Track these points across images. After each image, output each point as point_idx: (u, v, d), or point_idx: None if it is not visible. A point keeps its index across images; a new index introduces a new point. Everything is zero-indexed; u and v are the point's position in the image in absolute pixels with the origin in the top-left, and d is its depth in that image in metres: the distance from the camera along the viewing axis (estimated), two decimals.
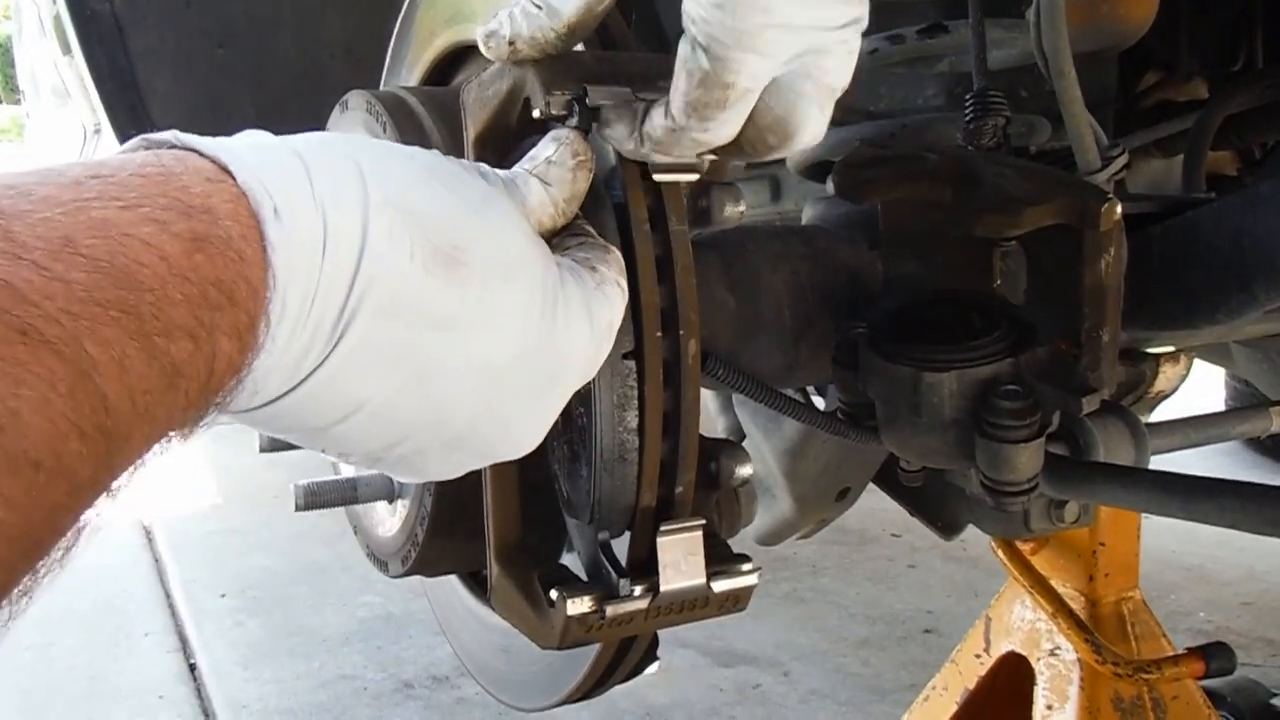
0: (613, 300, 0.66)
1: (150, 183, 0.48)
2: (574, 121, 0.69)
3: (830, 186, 0.92)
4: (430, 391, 0.58)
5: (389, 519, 1.03)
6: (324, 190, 0.54)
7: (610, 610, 0.72)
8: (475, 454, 0.64)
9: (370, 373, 0.56)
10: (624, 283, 0.67)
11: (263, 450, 1.01)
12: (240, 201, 0.51)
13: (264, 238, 0.50)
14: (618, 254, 0.68)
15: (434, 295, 0.56)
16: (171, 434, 0.48)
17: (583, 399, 0.72)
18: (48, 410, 0.39)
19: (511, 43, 0.68)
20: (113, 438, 0.42)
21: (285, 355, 0.52)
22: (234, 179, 0.51)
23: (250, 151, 0.53)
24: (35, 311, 0.39)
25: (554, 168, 0.67)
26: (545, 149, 0.67)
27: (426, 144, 0.88)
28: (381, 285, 0.54)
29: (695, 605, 0.75)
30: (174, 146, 0.53)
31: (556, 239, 0.68)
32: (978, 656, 1.95)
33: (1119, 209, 0.82)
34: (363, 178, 0.56)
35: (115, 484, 0.44)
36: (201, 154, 0.52)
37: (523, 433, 0.65)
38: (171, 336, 0.45)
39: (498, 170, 0.66)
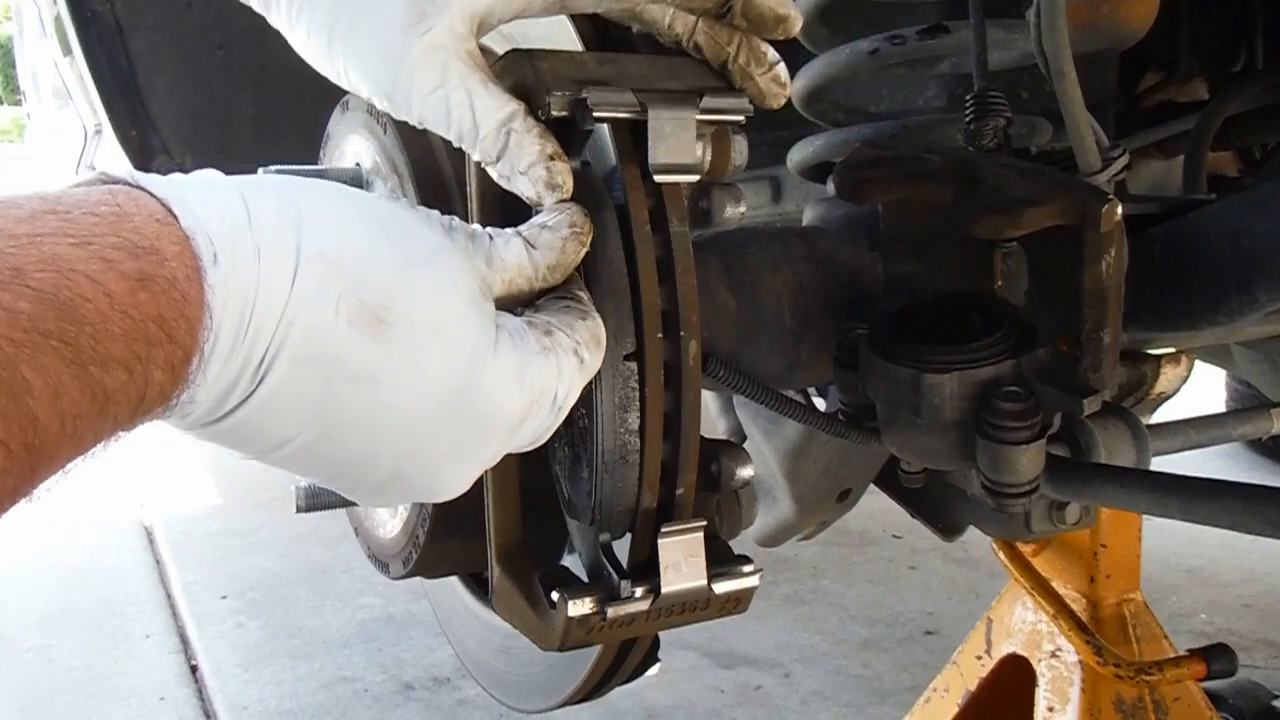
0: (560, 367, 0.66)
1: (103, 221, 0.51)
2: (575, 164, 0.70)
3: (831, 187, 0.92)
4: (349, 441, 0.60)
5: (390, 520, 1.03)
6: (262, 237, 0.56)
7: (611, 612, 0.72)
8: (404, 496, 0.66)
9: (289, 417, 0.58)
10: (589, 353, 0.67)
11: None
12: (185, 245, 0.53)
13: (204, 280, 0.53)
14: (595, 322, 0.68)
15: (355, 351, 0.58)
16: (96, 451, 0.51)
17: (585, 401, 0.72)
18: None
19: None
20: (39, 455, 0.46)
21: (213, 389, 0.55)
22: (178, 222, 0.54)
23: (198, 194, 0.56)
24: None
25: (545, 232, 0.67)
26: (544, 214, 0.68)
27: (427, 145, 0.88)
28: (302, 336, 0.56)
29: (696, 607, 0.75)
30: (130, 184, 0.55)
31: (541, 300, 0.69)
32: (979, 658, 1.94)
33: (1120, 210, 0.82)
34: (300, 228, 0.58)
35: (33, 494, 0.48)
36: (153, 195, 0.54)
37: (449, 482, 0.66)
38: (106, 367, 0.48)
39: (472, 226, 0.67)
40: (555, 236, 0.67)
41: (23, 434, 0.44)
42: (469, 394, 0.62)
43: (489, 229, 0.68)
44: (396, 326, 0.59)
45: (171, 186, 0.55)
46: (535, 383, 0.65)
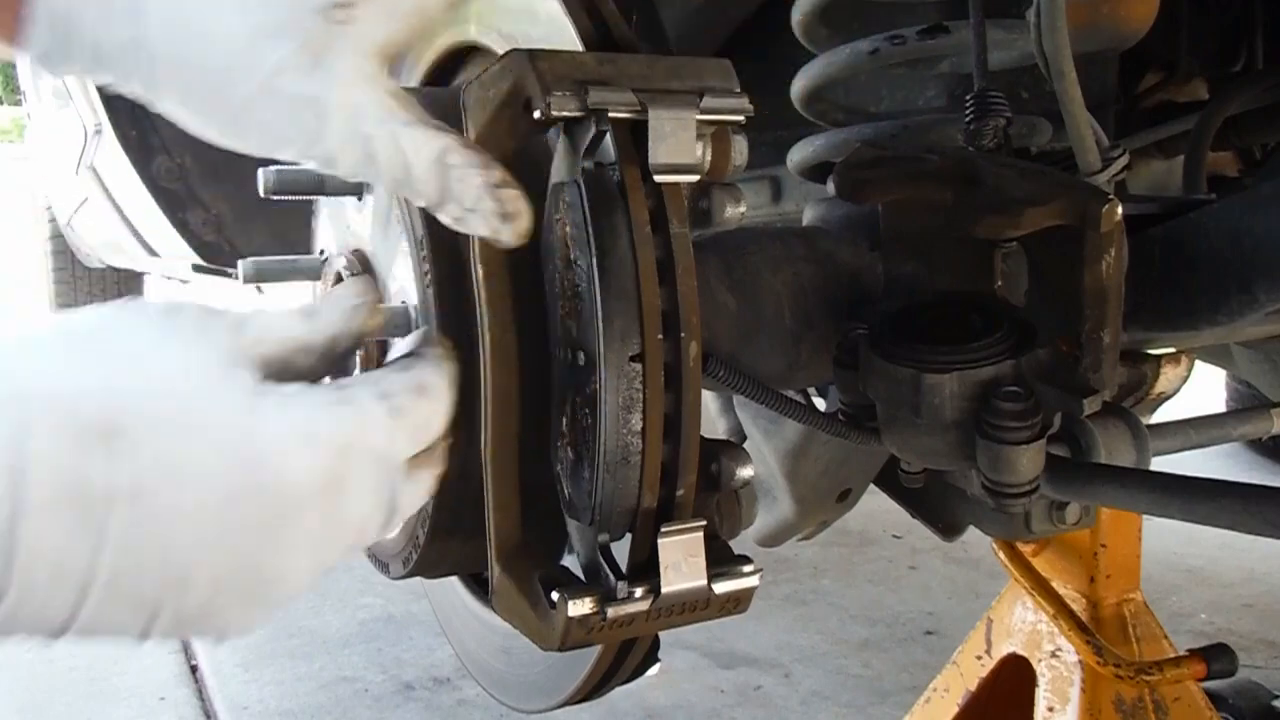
0: (366, 417, 0.61)
1: None
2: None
3: (831, 187, 0.92)
4: (146, 568, 0.55)
5: None
6: None
7: (611, 612, 0.72)
8: (250, 608, 0.60)
9: (66, 574, 0.53)
10: (407, 399, 0.63)
11: None
12: None
13: None
14: (420, 370, 0.65)
15: (97, 474, 0.53)
16: None
17: (589, 401, 0.72)
18: None
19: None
20: None
21: None
22: None
23: None
24: None
25: (325, 307, 0.66)
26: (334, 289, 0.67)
27: None
28: (34, 481, 0.51)
29: (696, 607, 0.75)
30: None
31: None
32: (979, 658, 1.94)
33: (1120, 210, 0.82)
34: (4, 373, 0.54)
35: None
36: None
37: (287, 578, 0.60)
38: None
39: (212, 311, 0.62)
40: (334, 310, 0.66)
41: None
42: (251, 470, 0.57)
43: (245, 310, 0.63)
44: (130, 430, 0.54)
45: None
46: (334, 438, 0.59)
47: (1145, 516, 1.78)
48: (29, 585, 0.52)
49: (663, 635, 0.87)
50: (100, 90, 2.02)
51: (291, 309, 0.64)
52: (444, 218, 0.66)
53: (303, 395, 0.60)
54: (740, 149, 0.80)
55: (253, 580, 0.59)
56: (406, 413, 0.63)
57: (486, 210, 0.64)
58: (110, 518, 0.53)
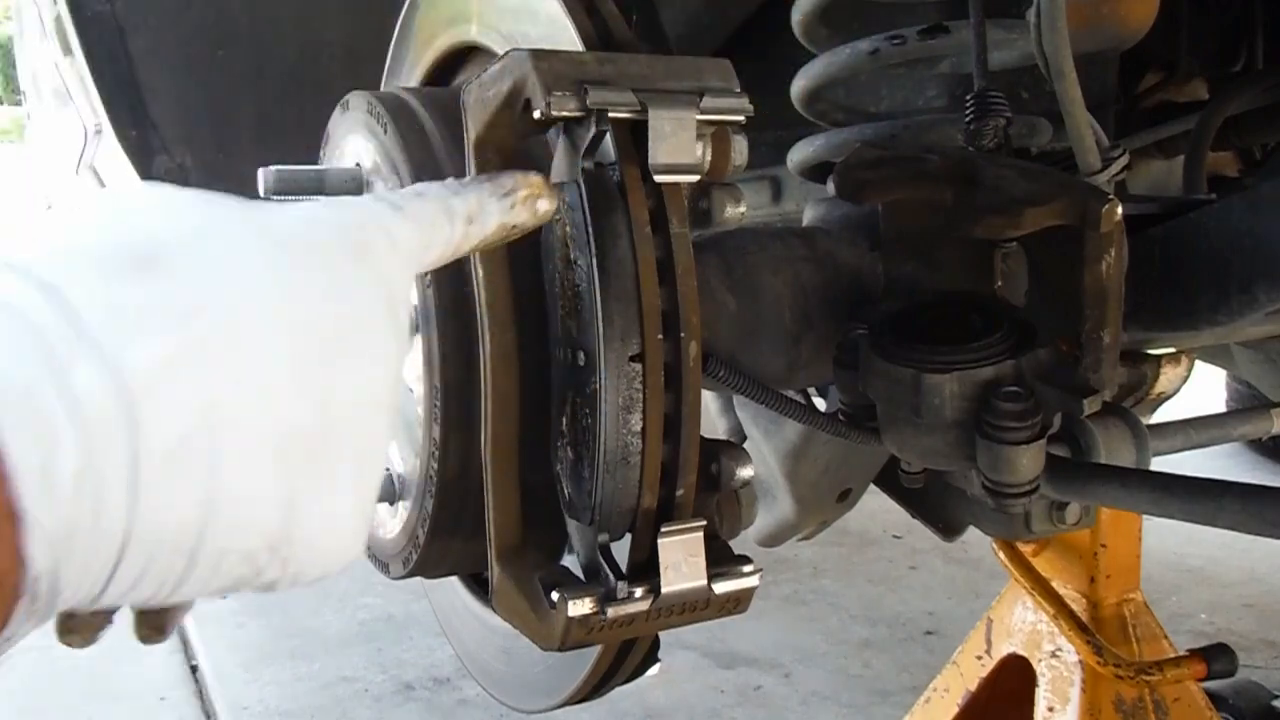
0: (360, 206, 0.59)
1: None
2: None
3: (831, 188, 0.92)
4: (219, 395, 0.50)
5: (390, 521, 1.03)
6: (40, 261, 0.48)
7: (611, 612, 0.72)
8: (353, 381, 0.55)
9: (167, 423, 0.48)
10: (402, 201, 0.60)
11: None
12: None
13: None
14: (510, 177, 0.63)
15: (146, 299, 0.49)
16: None
17: (589, 401, 0.72)
18: None
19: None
20: None
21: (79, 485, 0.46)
22: None
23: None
24: None
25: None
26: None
27: (427, 145, 0.88)
28: (90, 315, 0.47)
29: (696, 607, 0.75)
30: None
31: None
32: (979, 658, 1.94)
33: (1120, 210, 0.82)
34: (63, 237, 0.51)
35: None
36: None
37: (372, 343, 0.56)
38: None
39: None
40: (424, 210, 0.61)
41: None
42: (289, 273, 0.54)
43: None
44: (161, 257, 0.51)
45: None
46: (335, 218, 0.58)
47: (1145, 516, 1.78)
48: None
49: (663, 635, 0.87)
50: (100, 90, 2.02)
51: (436, 206, 0.61)
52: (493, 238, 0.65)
53: (327, 204, 0.59)
54: (740, 149, 0.80)
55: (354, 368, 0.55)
56: (407, 208, 0.61)
57: (518, 199, 0.64)
58: (158, 340, 0.49)
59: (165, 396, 0.48)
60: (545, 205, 0.65)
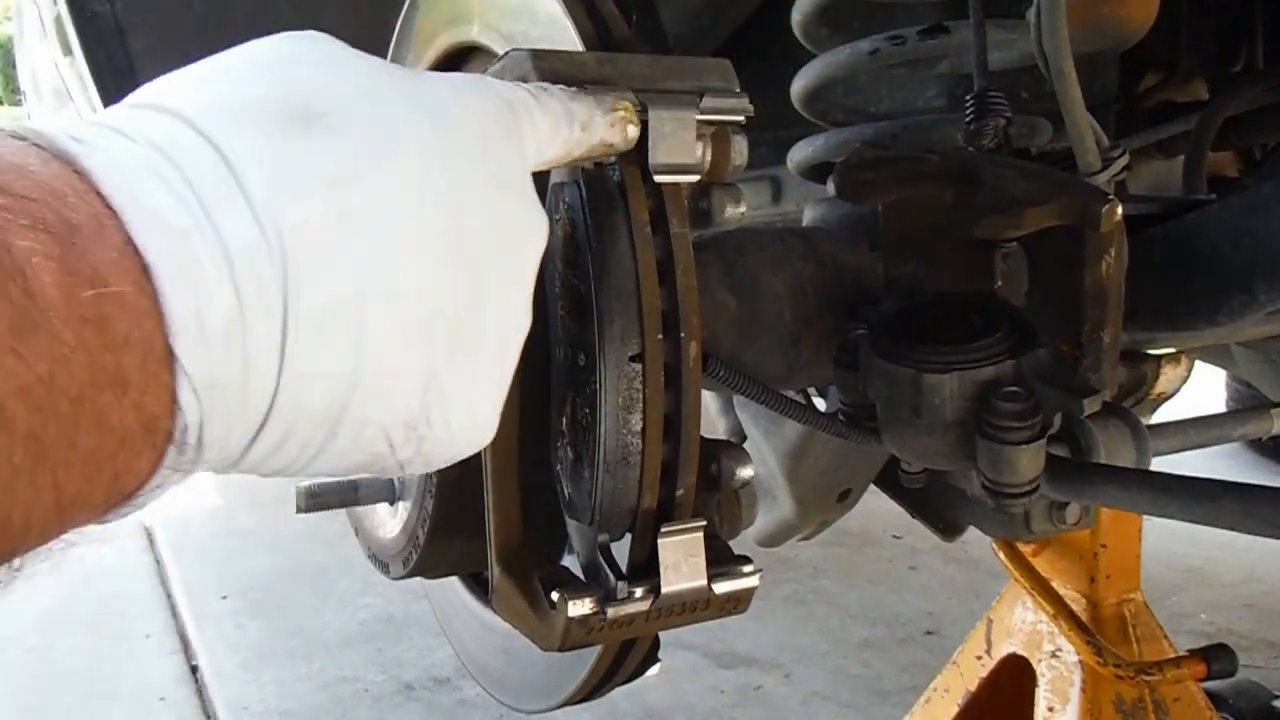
0: (511, 86, 0.60)
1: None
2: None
3: (831, 188, 0.92)
4: (373, 236, 0.49)
5: (390, 521, 1.03)
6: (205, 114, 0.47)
7: (611, 612, 0.72)
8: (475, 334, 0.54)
9: (302, 248, 0.47)
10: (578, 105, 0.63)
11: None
12: (107, 219, 0.43)
13: (142, 257, 0.43)
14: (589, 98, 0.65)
15: (313, 156, 0.48)
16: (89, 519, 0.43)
17: (589, 401, 0.72)
18: None
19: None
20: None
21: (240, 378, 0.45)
22: (102, 196, 0.43)
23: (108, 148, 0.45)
24: None
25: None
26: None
27: None
28: (257, 179, 0.46)
29: (696, 607, 0.75)
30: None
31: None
32: (979, 658, 1.94)
33: (1120, 210, 0.82)
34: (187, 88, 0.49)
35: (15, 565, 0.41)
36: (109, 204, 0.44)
37: (514, 221, 0.57)
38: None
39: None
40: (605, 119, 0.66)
41: None
42: (450, 126, 0.54)
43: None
44: (332, 114, 0.50)
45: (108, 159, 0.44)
46: (502, 93, 0.59)
47: (1145, 516, 1.78)
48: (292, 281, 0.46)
49: (663, 635, 0.87)
50: (100, 90, 2.02)
51: (560, 106, 0.62)
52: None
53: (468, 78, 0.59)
54: (740, 149, 0.80)
55: (496, 229, 0.55)
56: (540, 99, 0.62)
57: (615, 119, 0.67)
58: (334, 197, 0.48)
59: (320, 259, 0.47)
60: (634, 130, 0.68)
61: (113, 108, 0.50)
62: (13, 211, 0.40)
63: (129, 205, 0.43)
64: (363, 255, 0.49)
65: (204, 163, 0.46)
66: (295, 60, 0.54)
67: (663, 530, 0.72)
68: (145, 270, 0.43)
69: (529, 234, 0.58)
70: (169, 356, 0.43)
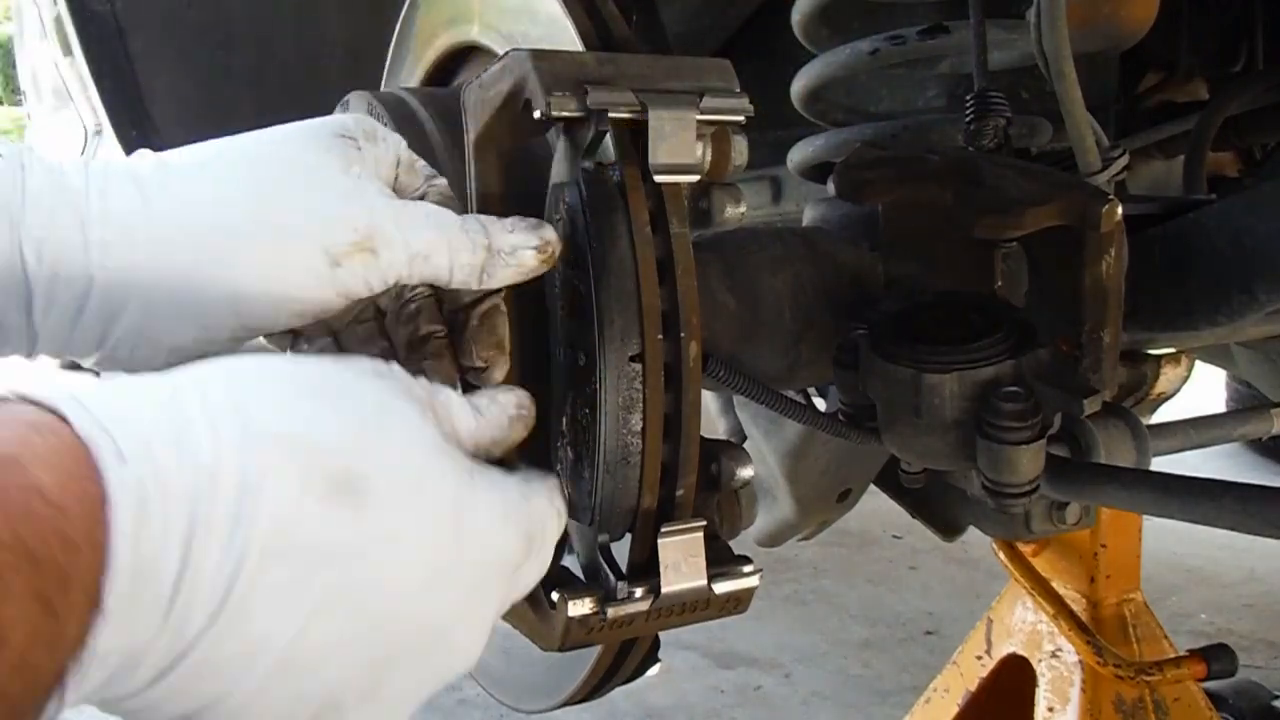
0: (540, 511, 0.64)
1: None
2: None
3: (831, 188, 0.92)
4: (345, 629, 0.53)
5: None
6: (192, 429, 0.49)
7: (611, 612, 0.72)
8: (408, 686, 0.58)
9: (265, 623, 0.50)
10: (560, 503, 0.66)
11: None
12: (68, 450, 0.45)
13: (103, 486, 0.45)
14: (555, 481, 0.67)
15: (334, 528, 0.52)
16: None
17: (589, 401, 0.72)
18: None
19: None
20: None
21: (169, 612, 0.47)
22: (71, 426, 0.46)
23: (101, 393, 0.49)
24: None
25: (492, 406, 0.67)
26: (491, 390, 0.68)
27: (427, 144, 0.88)
28: (269, 525, 0.49)
29: (696, 607, 0.75)
30: (39, 404, 0.47)
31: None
32: (979, 658, 1.94)
33: (1120, 210, 0.82)
34: (236, 409, 0.52)
35: None
36: (34, 401, 0.47)
37: (460, 647, 0.60)
38: None
39: (405, 373, 0.63)
40: (501, 415, 0.67)
41: None
42: (460, 545, 0.58)
43: (427, 381, 0.65)
44: (371, 492, 0.54)
45: (60, 390, 0.47)
46: (523, 523, 0.62)
47: (1145, 516, 1.78)
48: (230, 627, 0.49)
49: (663, 635, 0.87)
50: (100, 90, 2.02)
51: (462, 403, 0.65)
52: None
53: (505, 481, 0.63)
54: (740, 149, 0.80)
55: (439, 656, 0.59)
56: (561, 516, 0.67)
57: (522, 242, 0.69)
58: (329, 582, 0.52)
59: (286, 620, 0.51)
60: None
61: (171, 379, 0.53)
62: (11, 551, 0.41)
63: (121, 548, 0.45)
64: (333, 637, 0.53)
65: (225, 515, 0.49)
66: (346, 396, 0.57)
67: (663, 530, 0.72)
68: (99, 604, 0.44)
69: (510, 597, 0.64)
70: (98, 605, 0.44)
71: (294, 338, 0.72)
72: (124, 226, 0.62)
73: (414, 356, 0.72)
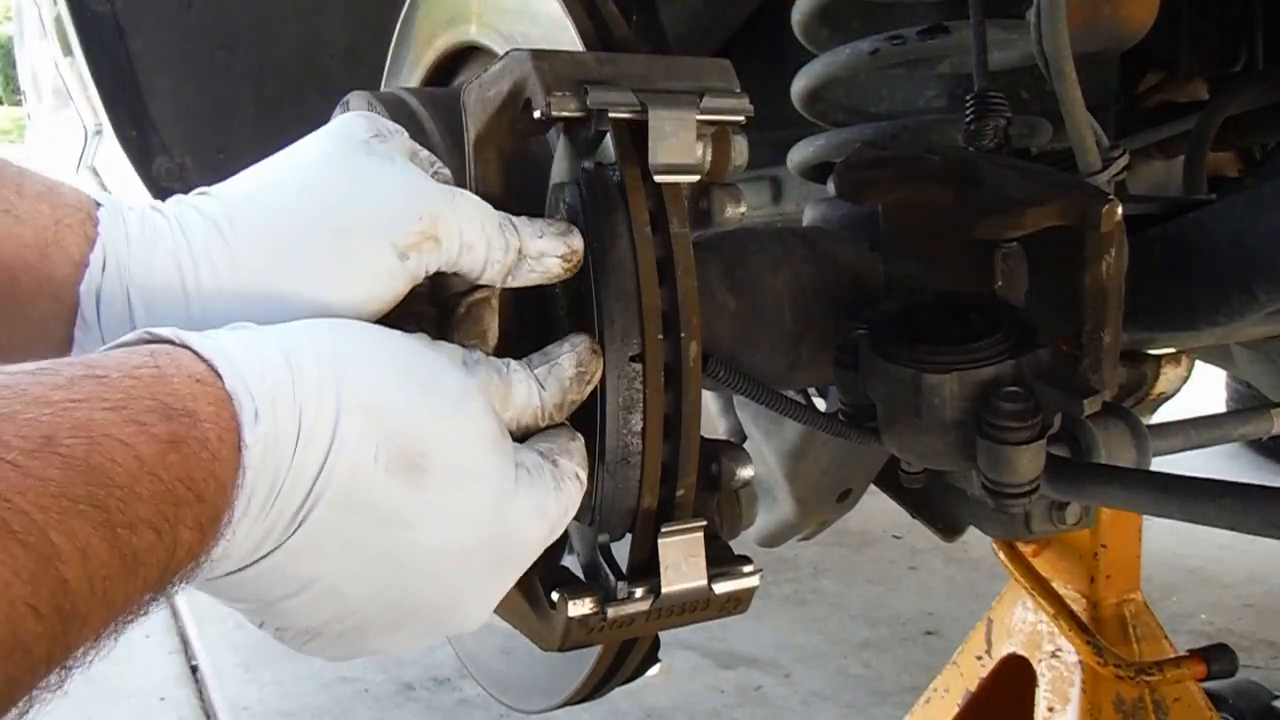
0: (569, 495, 0.69)
1: (140, 384, 0.52)
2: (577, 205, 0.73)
3: (831, 188, 0.92)
4: (382, 577, 0.62)
5: None
6: (304, 392, 0.57)
7: (611, 612, 0.72)
8: (419, 632, 0.67)
9: (322, 558, 0.59)
10: (584, 473, 0.70)
11: None
12: (223, 404, 0.55)
13: (241, 440, 0.54)
14: (580, 443, 0.71)
15: (393, 496, 0.60)
16: (129, 615, 0.50)
17: (589, 402, 0.72)
18: (8, 593, 0.42)
19: None
20: (70, 619, 0.46)
21: (245, 541, 0.56)
22: (222, 381, 0.55)
23: (241, 351, 0.57)
24: (6, 506, 0.43)
25: (553, 372, 0.70)
26: (557, 350, 0.70)
27: (427, 144, 0.88)
28: (342, 482, 0.58)
29: (697, 607, 0.75)
30: (174, 342, 0.57)
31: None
32: (979, 658, 1.94)
33: (1120, 210, 0.82)
34: (340, 380, 0.59)
35: (70, 661, 0.47)
36: (196, 353, 0.56)
37: (471, 612, 0.68)
38: (135, 529, 0.48)
39: (490, 360, 0.69)
40: (563, 377, 0.70)
41: (53, 598, 0.44)
42: (496, 532, 0.65)
43: (504, 361, 0.69)
44: (430, 471, 0.61)
45: (213, 344, 0.57)
46: (553, 514, 0.68)
47: (1145, 516, 1.78)
48: (292, 556, 0.58)
49: (663, 635, 0.87)
50: (100, 90, 2.02)
51: (527, 379, 0.69)
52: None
53: (539, 473, 0.68)
54: (740, 149, 0.80)
55: (441, 620, 0.67)
56: (583, 487, 0.71)
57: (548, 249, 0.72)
58: (377, 534, 0.60)
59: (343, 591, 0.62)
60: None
61: (289, 336, 0.61)
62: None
63: (249, 487, 0.55)
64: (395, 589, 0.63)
65: (311, 468, 0.57)
66: (433, 383, 0.64)
67: (663, 530, 0.72)
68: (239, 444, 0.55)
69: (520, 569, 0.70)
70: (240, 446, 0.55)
71: None
72: (209, 260, 0.66)
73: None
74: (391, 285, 0.67)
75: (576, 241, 0.71)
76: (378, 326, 0.66)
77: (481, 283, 0.70)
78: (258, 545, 0.57)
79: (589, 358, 0.70)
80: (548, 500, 0.68)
